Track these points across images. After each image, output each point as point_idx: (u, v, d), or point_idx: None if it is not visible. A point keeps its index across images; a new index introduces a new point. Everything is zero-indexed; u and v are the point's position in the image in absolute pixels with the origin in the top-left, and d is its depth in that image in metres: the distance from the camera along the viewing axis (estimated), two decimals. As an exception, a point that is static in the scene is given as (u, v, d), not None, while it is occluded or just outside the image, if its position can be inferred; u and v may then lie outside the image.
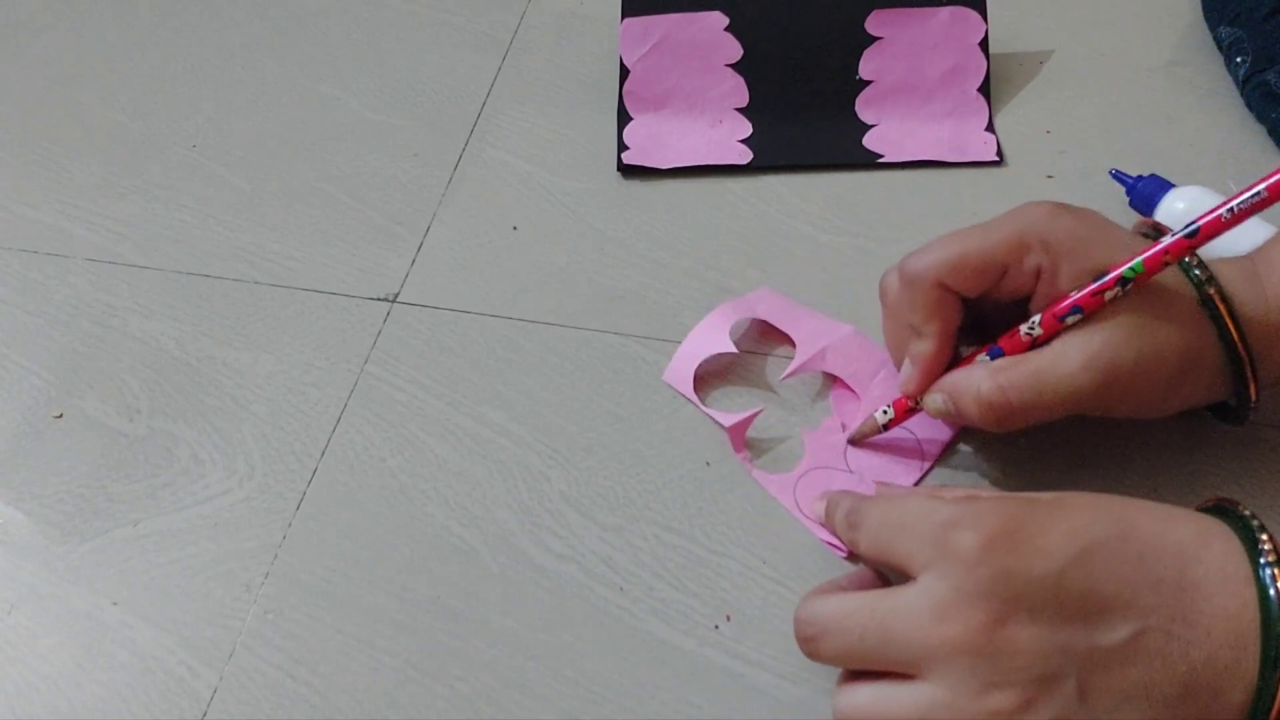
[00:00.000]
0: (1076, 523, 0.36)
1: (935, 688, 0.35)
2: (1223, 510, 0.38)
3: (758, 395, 0.53)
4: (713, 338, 0.53)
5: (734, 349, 0.53)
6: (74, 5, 0.79)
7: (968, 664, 0.35)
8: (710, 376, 0.54)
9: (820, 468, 0.50)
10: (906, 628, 0.36)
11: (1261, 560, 0.35)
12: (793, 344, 0.53)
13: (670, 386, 0.53)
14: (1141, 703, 0.34)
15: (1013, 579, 0.35)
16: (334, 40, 0.74)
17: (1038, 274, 0.45)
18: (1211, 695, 0.34)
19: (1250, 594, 0.34)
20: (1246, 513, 0.37)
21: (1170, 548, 0.36)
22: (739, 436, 0.51)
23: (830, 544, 0.47)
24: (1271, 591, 0.34)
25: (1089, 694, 0.34)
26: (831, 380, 0.53)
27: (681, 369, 0.53)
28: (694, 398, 0.52)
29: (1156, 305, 0.43)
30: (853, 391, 0.52)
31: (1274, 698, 0.34)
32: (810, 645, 0.39)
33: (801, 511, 0.48)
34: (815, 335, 0.53)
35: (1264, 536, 0.36)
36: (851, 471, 0.49)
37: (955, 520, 0.37)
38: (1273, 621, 0.34)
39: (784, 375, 0.52)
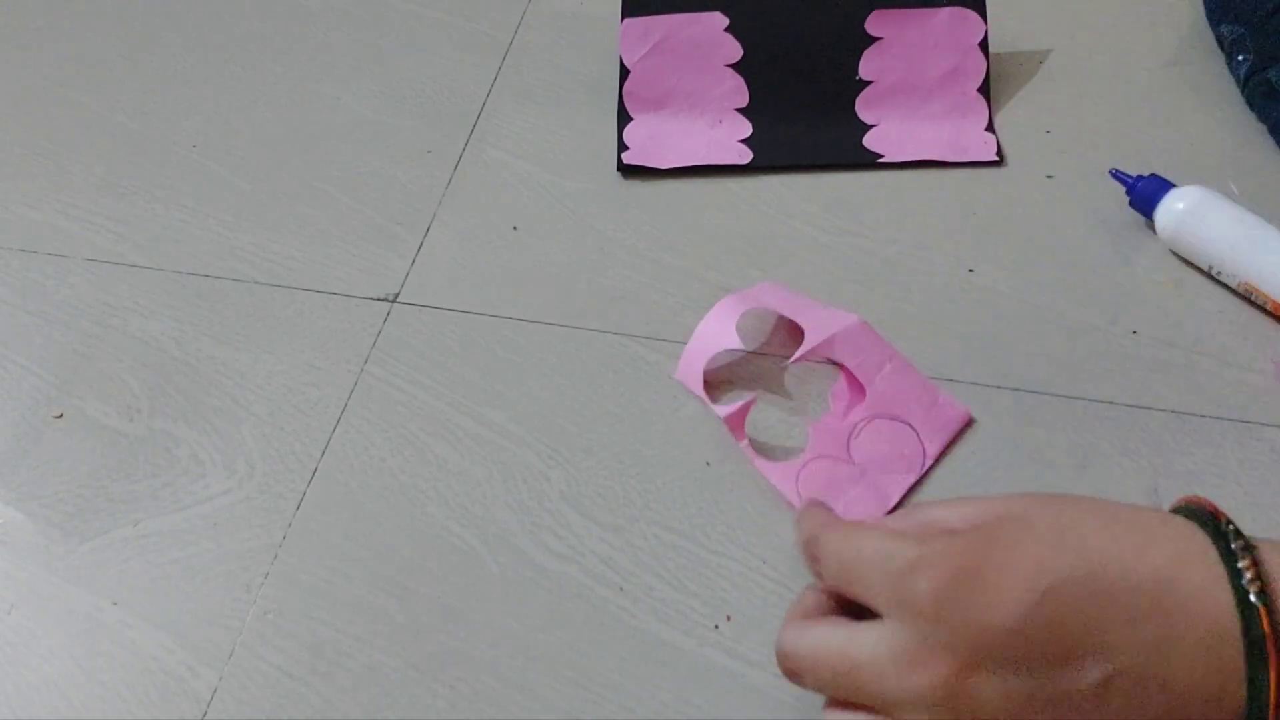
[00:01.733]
0: (1038, 561, 0.34)
1: None
2: (1197, 516, 0.35)
3: (763, 392, 0.53)
4: (720, 333, 0.52)
5: (741, 345, 0.53)
6: (74, 5, 0.79)
7: (936, 714, 0.34)
8: (718, 376, 0.54)
9: (823, 457, 0.49)
10: (873, 677, 0.36)
11: (1243, 581, 0.32)
12: (798, 339, 0.53)
13: (681, 384, 0.53)
14: None
15: (973, 629, 0.34)
16: (334, 40, 0.74)
17: None
18: None
19: (1232, 620, 0.32)
20: (1225, 524, 0.34)
21: (1144, 578, 0.33)
22: (737, 426, 0.50)
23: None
24: (1257, 615, 0.32)
25: None
26: (838, 370, 0.53)
27: (691, 366, 0.52)
28: (704, 395, 0.52)
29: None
30: (858, 382, 0.51)
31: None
32: (792, 679, 0.40)
33: (801, 495, 0.48)
34: (824, 323, 0.52)
35: (1243, 559, 0.33)
36: (854, 463, 0.49)
37: (912, 565, 0.35)
38: (1256, 645, 0.32)
39: (793, 359, 0.51)
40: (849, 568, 0.38)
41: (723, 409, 0.50)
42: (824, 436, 0.50)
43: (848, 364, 0.51)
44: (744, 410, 0.50)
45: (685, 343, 0.55)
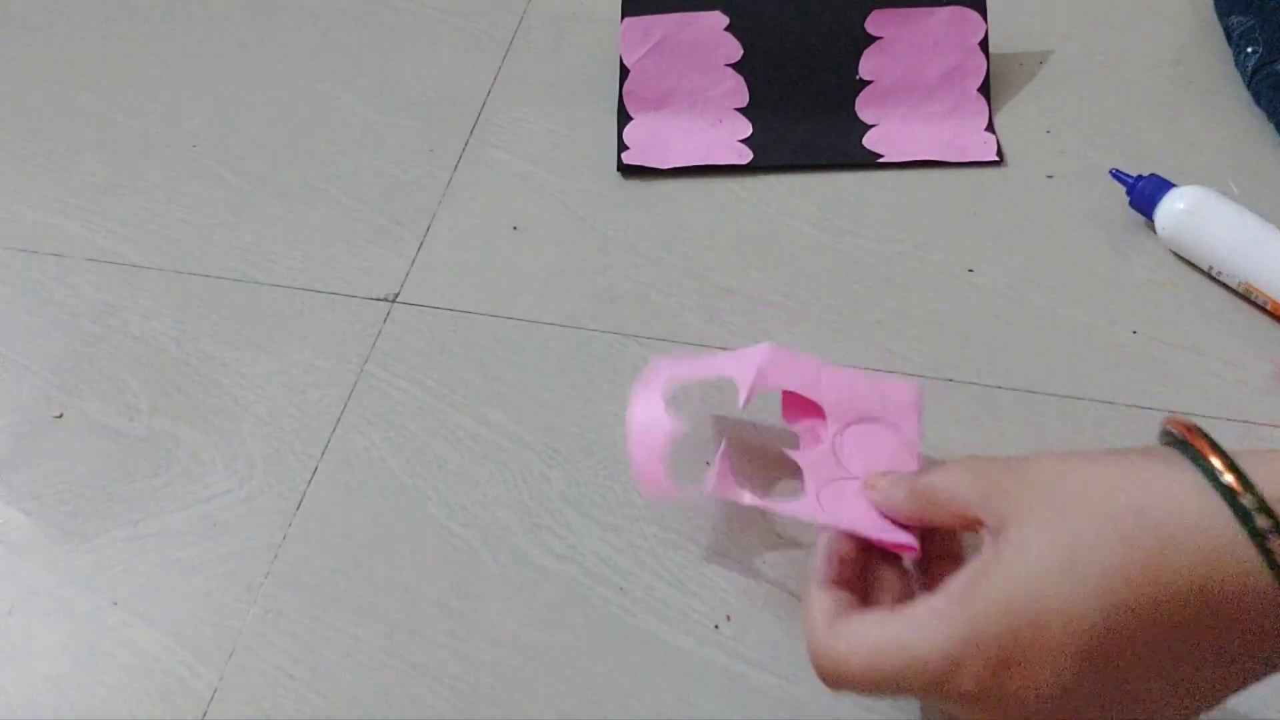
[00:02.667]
0: (1065, 623, 0.33)
1: None
2: (1204, 467, 0.34)
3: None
4: (656, 426, 0.46)
5: (681, 425, 0.46)
6: (74, 5, 0.79)
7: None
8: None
9: (828, 482, 0.45)
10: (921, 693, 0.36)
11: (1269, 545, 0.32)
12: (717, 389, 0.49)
13: (655, 499, 0.48)
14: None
15: (1028, 705, 0.34)
16: (334, 40, 0.74)
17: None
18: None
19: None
20: (1231, 482, 0.33)
21: (1181, 591, 0.32)
22: (728, 487, 0.45)
23: (900, 545, 0.41)
24: None
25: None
26: (783, 398, 0.49)
27: (654, 477, 0.45)
28: (679, 493, 0.46)
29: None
30: (808, 401, 0.48)
31: None
32: (833, 690, 0.38)
33: (842, 526, 0.42)
34: (741, 363, 0.48)
35: (1260, 518, 0.32)
36: (855, 476, 0.46)
37: (946, 673, 0.34)
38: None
39: (741, 403, 0.46)
40: (882, 685, 0.37)
41: (707, 484, 0.45)
42: (813, 464, 0.46)
43: (788, 386, 0.47)
44: (724, 469, 0.46)
45: (686, 343, 0.55)
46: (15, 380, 0.57)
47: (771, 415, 0.50)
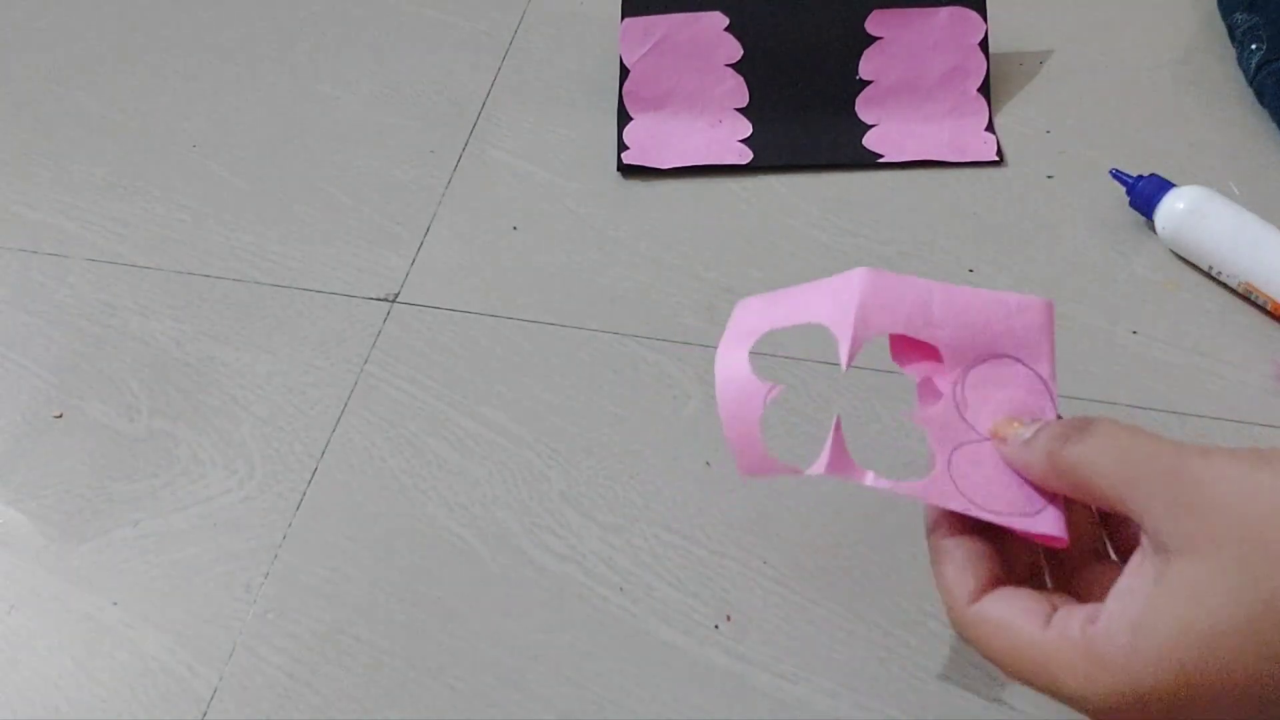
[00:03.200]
0: (1247, 689, 0.28)
1: None
2: None
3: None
4: (747, 390, 0.39)
5: (777, 387, 0.39)
6: (74, 5, 0.79)
7: None
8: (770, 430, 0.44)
9: (959, 446, 0.38)
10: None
11: None
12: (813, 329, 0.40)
13: (757, 476, 0.40)
14: None
15: None
16: (334, 40, 0.74)
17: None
18: None
19: None
20: None
21: None
22: (844, 463, 0.37)
23: (1048, 539, 0.36)
24: None
25: None
26: (890, 339, 0.40)
27: (752, 450, 0.38)
28: (792, 470, 0.38)
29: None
30: (918, 343, 0.39)
31: None
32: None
33: (982, 508, 0.36)
34: (837, 301, 0.39)
35: None
36: (987, 438, 0.38)
37: (1102, 713, 0.30)
38: None
39: (844, 363, 0.37)
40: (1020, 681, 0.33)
41: (820, 461, 0.36)
42: (939, 428, 0.38)
43: (896, 328, 0.39)
44: (839, 443, 0.37)
45: (686, 343, 0.55)
46: (15, 380, 0.57)
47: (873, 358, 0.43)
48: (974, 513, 0.36)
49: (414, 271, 0.60)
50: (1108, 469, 0.32)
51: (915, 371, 0.39)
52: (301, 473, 0.52)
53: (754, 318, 0.41)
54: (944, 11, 0.64)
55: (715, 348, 0.56)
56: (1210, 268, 0.56)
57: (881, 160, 0.63)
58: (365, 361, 0.56)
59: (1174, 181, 0.57)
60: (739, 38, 0.65)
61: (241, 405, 0.55)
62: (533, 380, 0.55)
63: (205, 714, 0.45)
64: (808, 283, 0.40)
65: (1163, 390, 0.52)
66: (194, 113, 0.70)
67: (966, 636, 0.34)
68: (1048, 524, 0.35)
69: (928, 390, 0.39)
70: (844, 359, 0.37)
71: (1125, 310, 0.56)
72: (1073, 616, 0.31)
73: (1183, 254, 0.57)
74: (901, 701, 0.44)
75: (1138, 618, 0.29)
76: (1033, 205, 0.61)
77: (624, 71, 0.65)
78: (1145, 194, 0.58)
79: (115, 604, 0.49)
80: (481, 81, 0.70)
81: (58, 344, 0.58)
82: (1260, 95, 0.63)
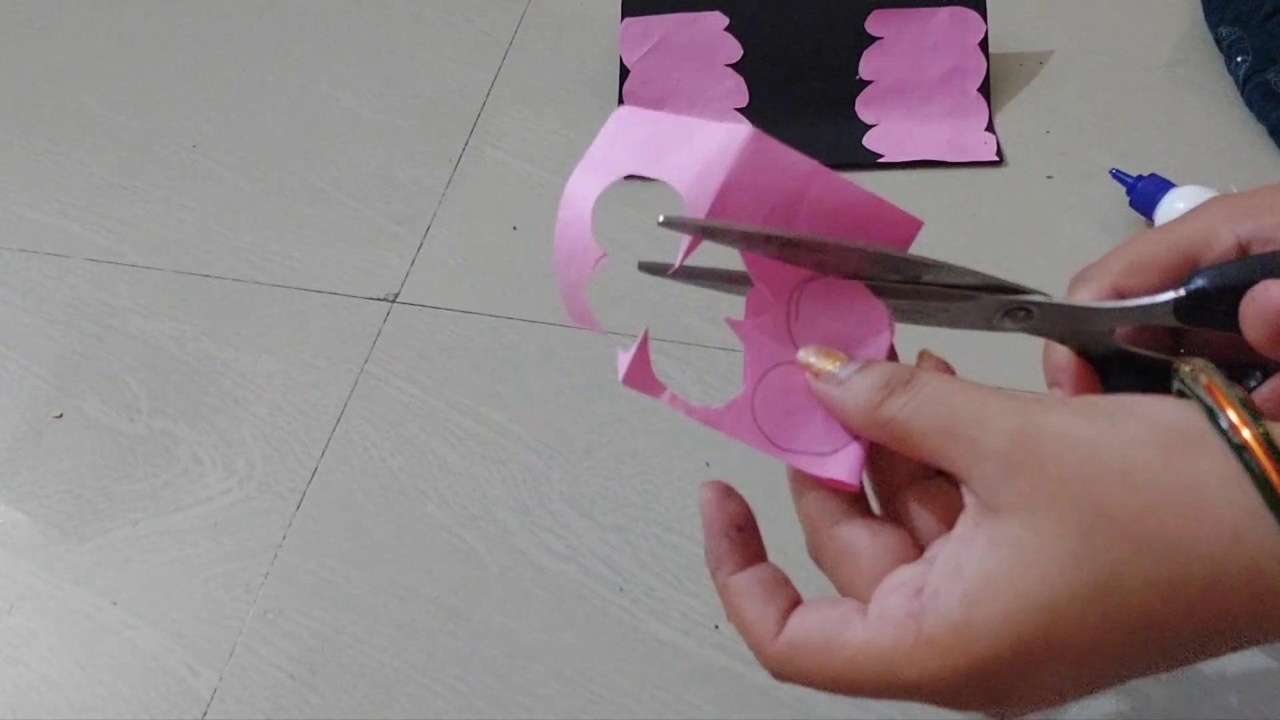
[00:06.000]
0: (1086, 653, 0.27)
1: None
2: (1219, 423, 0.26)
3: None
4: (583, 242, 0.35)
5: (603, 255, 0.35)
6: (74, 5, 0.79)
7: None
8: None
9: (774, 367, 0.34)
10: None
11: None
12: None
13: (580, 324, 0.36)
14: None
15: (1020, 705, 0.28)
16: (334, 40, 0.74)
17: (1241, 248, 0.32)
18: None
19: None
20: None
21: (1226, 625, 0.26)
22: (644, 377, 0.34)
23: (836, 483, 0.32)
24: None
25: None
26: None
27: (580, 303, 0.35)
28: (599, 329, 0.35)
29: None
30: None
31: None
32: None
33: (774, 443, 0.33)
34: (705, 170, 0.34)
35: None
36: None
37: (945, 697, 0.29)
38: None
39: (671, 271, 0.34)
40: (852, 694, 0.31)
41: (620, 367, 0.33)
42: (758, 342, 0.33)
43: (754, 220, 0.33)
44: (643, 354, 0.34)
45: (686, 343, 0.55)
46: (15, 380, 0.57)
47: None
48: (765, 449, 0.32)
49: (414, 271, 0.60)
50: (933, 425, 0.29)
51: (755, 269, 0.34)
52: (301, 473, 0.52)
53: (624, 147, 0.35)
54: (944, 12, 0.64)
55: (715, 348, 0.57)
56: (1210, 268, 0.56)
57: (881, 160, 0.63)
58: (365, 361, 0.56)
59: (1174, 181, 0.57)
60: (739, 38, 0.65)
61: (241, 405, 0.55)
62: (533, 380, 0.55)
63: (205, 714, 0.45)
64: (698, 120, 0.33)
65: (1163, 390, 0.52)
66: (194, 113, 0.70)
67: (787, 675, 0.31)
68: (839, 467, 0.32)
69: (759, 298, 0.34)
70: (674, 266, 0.33)
71: (1125, 310, 0.56)
72: (893, 594, 0.29)
73: (1183, 254, 0.57)
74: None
75: (969, 591, 0.27)
76: (1033, 205, 0.61)
77: (624, 71, 0.65)
78: (1145, 194, 0.58)
79: (115, 604, 0.49)
80: (481, 81, 0.70)
81: (58, 344, 0.58)
82: (1249, 104, 0.63)
